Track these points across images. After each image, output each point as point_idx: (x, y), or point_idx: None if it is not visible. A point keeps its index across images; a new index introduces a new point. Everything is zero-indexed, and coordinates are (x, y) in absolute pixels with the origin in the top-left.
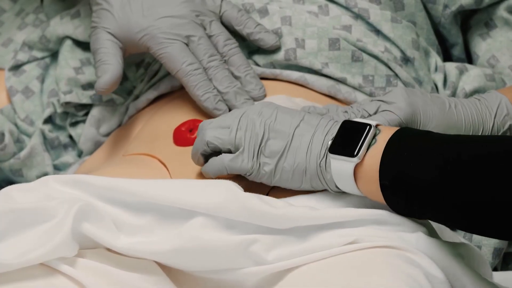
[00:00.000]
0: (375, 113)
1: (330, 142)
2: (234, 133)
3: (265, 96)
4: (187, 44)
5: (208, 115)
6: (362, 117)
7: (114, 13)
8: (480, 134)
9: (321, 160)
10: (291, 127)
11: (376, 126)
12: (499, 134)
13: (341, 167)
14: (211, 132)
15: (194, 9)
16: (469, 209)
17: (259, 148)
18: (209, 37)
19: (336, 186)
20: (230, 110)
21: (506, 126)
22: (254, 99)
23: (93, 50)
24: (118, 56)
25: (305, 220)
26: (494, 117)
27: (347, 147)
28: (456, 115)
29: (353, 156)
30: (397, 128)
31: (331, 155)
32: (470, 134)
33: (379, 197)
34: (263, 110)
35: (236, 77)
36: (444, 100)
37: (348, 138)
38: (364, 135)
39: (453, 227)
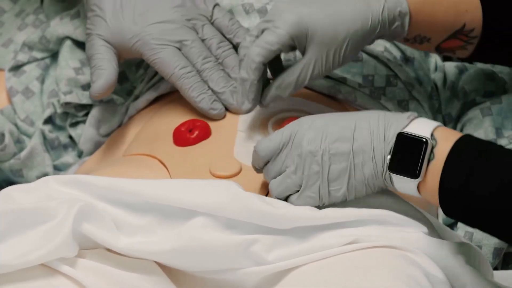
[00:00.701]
0: (262, 32)
1: (389, 158)
2: (294, 179)
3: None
4: (180, 49)
5: (204, 116)
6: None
7: (107, 20)
8: (369, 22)
9: (384, 175)
10: (347, 143)
11: (432, 134)
12: (390, 20)
13: (404, 184)
14: (277, 188)
15: (185, 14)
16: None
17: (321, 182)
18: (202, 40)
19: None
20: (227, 109)
21: (397, 11)
22: None
23: (88, 56)
24: (113, 61)
25: (305, 220)
26: (384, 2)
27: (407, 166)
28: (342, 7)
29: (415, 177)
30: (454, 136)
31: (392, 174)
32: (360, 24)
33: (438, 204)
34: (311, 135)
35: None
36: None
37: (406, 155)
38: (423, 152)
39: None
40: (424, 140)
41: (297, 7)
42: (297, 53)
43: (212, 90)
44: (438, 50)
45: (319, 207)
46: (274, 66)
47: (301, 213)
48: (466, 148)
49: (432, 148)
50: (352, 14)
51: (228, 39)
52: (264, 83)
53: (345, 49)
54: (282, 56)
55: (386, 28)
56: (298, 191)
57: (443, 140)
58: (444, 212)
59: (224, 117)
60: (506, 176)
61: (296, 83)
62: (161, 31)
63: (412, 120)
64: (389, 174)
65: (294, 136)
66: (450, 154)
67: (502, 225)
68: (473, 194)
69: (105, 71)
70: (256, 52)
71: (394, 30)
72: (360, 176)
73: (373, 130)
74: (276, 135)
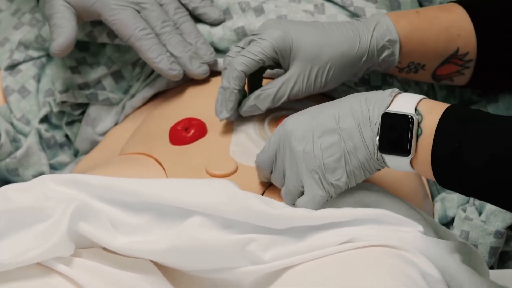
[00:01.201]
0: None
1: (377, 139)
2: (295, 182)
3: (216, 61)
4: (138, 12)
5: (200, 115)
6: (238, 54)
7: None
8: (357, 47)
9: (376, 155)
10: (335, 134)
11: (416, 109)
12: (379, 48)
13: (397, 163)
14: (286, 196)
15: None
16: None
17: (321, 177)
18: (160, 5)
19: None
20: (184, 73)
21: (386, 39)
22: (207, 63)
23: (48, 16)
24: (72, 20)
25: (301, 220)
26: (373, 30)
27: (396, 144)
28: (330, 31)
29: (406, 155)
30: (440, 108)
31: (384, 155)
32: (346, 48)
33: (432, 178)
34: (298, 135)
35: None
36: (316, 21)
37: (393, 133)
38: (410, 129)
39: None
40: (409, 116)
41: (285, 23)
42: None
43: (171, 54)
44: (435, 78)
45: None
46: (255, 82)
47: (297, 214)
48: (453, 118)
49: (419, 123)
50: (339, 37)
51: (184, 5)
52: (243, 95)
53: (328, 71)
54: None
55: (375, 57)
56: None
57: (428, 113)
58: (440, 183)
59: (181, 79)
60: (496, 142)
61: (275, 96)
62: None
63: (394, 97)
64: (381, 154)
65: (283, 140)
66: (438, 126)
67: (497, 192)
68: (465, 163)
69: (65, 29)
70: (239, 61)
71: (385, 59)
72: (355, 161)
73: (357, 115)
74: (266, 145)
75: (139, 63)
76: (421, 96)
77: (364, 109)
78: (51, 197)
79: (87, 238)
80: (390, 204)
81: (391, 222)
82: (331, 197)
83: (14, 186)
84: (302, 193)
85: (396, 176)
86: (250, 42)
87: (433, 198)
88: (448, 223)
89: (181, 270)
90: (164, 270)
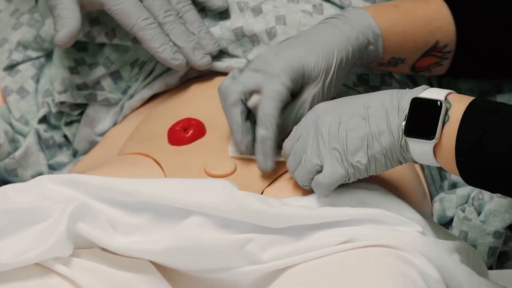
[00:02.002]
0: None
1: (404, 124)
2: (314, 159)
3: (219, 50)
4: (141, 1)
5: (199, 115)
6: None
7: None
8: (350, 50)
9: (400, 141)
10: (362, 118)
11: (446, 98)
12: (365, 45)
13: (420, 149)
14: (299, 172)
15: None
16: None
17: (341, 156)
18: None
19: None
20: (187, 64)
21: (370, 35)
22: (210, 54)
23: (51, 6)
24: (76, 11)
25: (300, 219)
26: (357, 28)
27: (422, 128)
28: (324, 44)
29: (430, 139)
30: (467, 99)
31: (408, 139)
32: (344, 53)
33: (455, 171)
34: (327, 118)
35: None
36: (301, 35)
37: (421, 118)
38: (438, 114)
39: None
40: (438, 102)
41: (285, 50)
42: None
43: (174, 43)
44: (414, 70)
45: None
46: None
47: (296, 212)
48: (480, 107)
49: (447, 110)
50: (338, 46)
51: None
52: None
53: (336, 80)
54: None
55: (363, 53)
56: (321, 171)
57: (457, 102)
58: (462, 175)
59: (179, 80)
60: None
61: (295, 118)
62: None
63: (425, 90)
64: (405, 140)
65: (310, 124)
66: (465, 114)
67: None
68: (488, 151)
69: (69, 19)
70: (270, 106)
71: (369, 54)
72: (378, 146)
73: (387, 104)
74: (293, 132)
75: (138, 64)
76: (450, 90)
77: (394, 99)
78: (50, 197)
79: (85, 239)
80: (389, 204)
81: (390, 222)
82: (348, 179)
83: (12, 187)
84: (318, 172)
85: (395, 176)
86: (264, 80)
87: (432, 198)
88: (447, 223)
89: (180, 270)
90: (163, 270)
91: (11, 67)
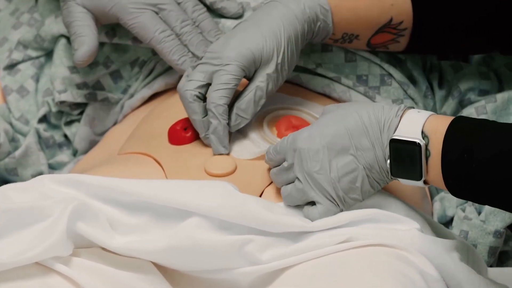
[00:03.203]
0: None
1: (388, 163)
2: (301, 198)
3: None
4: (157, 13)
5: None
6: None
7: None
8: (298, 27)
9: (392, 178)
10: (348, 154)
11: (422, 131)
12: (314, 20)
13: (411, 183)
14: (291, 199)
15: None
16: None
17: (334, 197)
18: (178, 4)
19: None
20: None
21: (318, 10)
22: None
23: (67, 24)
24: (92, 27)
25: (297, 228)
26: (303, 3)
27: (408, 171)
28: (269, 22)
29: (419, 179)
30: (443, 126)
31: (398, 179)
32: (293, 29)
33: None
34: (310, 155)
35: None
36: (247, 20)
37: (403, 159)
38: (419, 156)
39: None
40: (417, 143)
41: (231, 38)
42: None
43: (193, 54)
44: (369, 46)
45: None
46: None
47: (294, 222)
48: (458, 132)
49: (426, 145)
50: (282, 24)
51: (201, 1)
52: None
53: (290, 57)
54: None
55: (312, 28)
56: (312, 204)
57: (433, 133)
58: (454, 195)
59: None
60: (505, 147)
61: (254, 100)
62: None
63: (401, 117)
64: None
65: (294, 155)
66: (444, 143)
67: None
68: (477, 174)
69: (86, 37)
70: (218, 95)
71: (320, 29)
72: (372, 181)
73: (370, 135)
74: (274, 151)
75: (138, 63)
76: (427, 114)
77: (375, 129)
78: (50, 197)
79: (85, 238)
80: (389, 204)
81: (388, 220)
82: (341, 210)
83: (13, 186)
84: (307, 201)
85: None
86: (213, 72)
87: (432, 197)
88: (447, 222)
89: (179, 270)
90: (163, 270)
91: (11, 67)
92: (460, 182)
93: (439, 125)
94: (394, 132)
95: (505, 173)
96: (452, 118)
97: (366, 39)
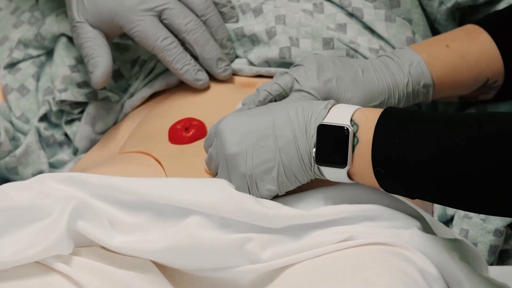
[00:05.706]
0: (290, 89)
1: (314, 151)
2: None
3: (236, 57)
4: (160, 16)
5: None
6: (277, 92)
7: (85, 2)
8: (396, 95)
9: (313, 168)
10: (271, 141)
11: (352, 119)
12: (415, 92)
13: (335, 174)
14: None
15: None
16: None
17: (249, 184)
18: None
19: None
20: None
21: (421, 84)
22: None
23: (78, 46)
24: (104, 46)
25: (297, 219)
26: (408, 74)
27: (333, 156)
28: (370, 82)
29: (343, 166)
30: (375, 113)
31: (321, 166)
32: (385, 96)
33: (374, 184)
34: (230, 138)
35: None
36: (356, 68)
37: (330, 145)
38: (346, 141)
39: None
40: (345, 127)
41: (326, 74)
42: None
43: (199, 54)
44: (461, 99)
45: None
46: None
47: (293, 213)
48: (390, 120)
49: (354, 133)
50: (381, 87)
51: None
52: None
53: None
54: None
55: (410, 100)
56: None
57: (363, 121)
58: (383, 187)
59: (208, 87)
60: (433, 143)
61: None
62: (138, 1)
63: (330, 108)
64: (317, 166)
65: (216, 137)
66: (376, 131)
67: (444, 187)
68: (407, 159)
69: (100, 58)
70: (271, 87)
71: (417, 98)
72: (288, 173)
73: (294, 126)
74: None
75: (139, 62)
76: (356, 107)
77: (301, 121)
78: (51, 196)
79: (86, 237)
80: (388, 202)
81: (388, 218)
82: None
83: (13, 185)
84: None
85: None
86: (292, 85)
87: None
88: (448, 221)
89: (179, 269)
90: (163, 268)
91: (11, 65)
92: (390, 167)
93: (370, 114)
94: (322, 121)
95: (441, 168)
96: (381, 110)
97: (459, 96)
